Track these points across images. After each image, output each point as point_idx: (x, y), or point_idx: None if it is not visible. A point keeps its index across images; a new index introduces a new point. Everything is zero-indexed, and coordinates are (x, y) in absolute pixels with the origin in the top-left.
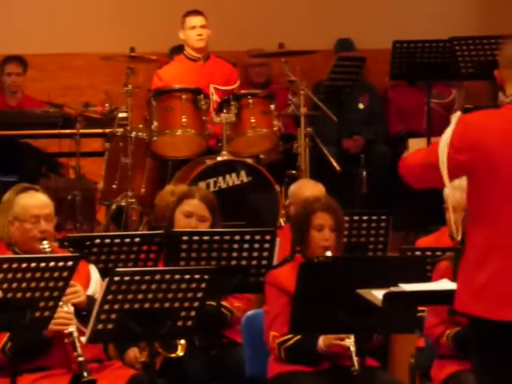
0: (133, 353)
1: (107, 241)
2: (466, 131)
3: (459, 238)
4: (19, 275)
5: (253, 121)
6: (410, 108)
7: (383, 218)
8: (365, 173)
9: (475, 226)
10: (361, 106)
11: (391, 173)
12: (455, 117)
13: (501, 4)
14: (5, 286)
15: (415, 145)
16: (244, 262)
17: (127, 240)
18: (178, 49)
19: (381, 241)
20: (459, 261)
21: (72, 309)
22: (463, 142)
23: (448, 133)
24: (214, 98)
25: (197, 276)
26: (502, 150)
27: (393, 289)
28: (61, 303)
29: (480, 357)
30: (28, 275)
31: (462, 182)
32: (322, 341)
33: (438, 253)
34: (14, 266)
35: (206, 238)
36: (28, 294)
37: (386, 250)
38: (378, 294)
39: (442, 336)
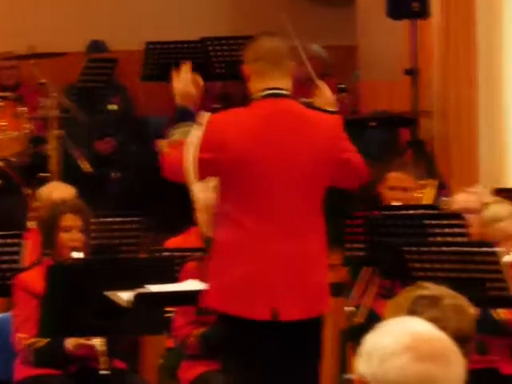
0: None
1: None
2: (212, 131)
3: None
4: None
5: (3, 124)
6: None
7: (135, 219)
8: (118, 174)
9: (224, 226)
10: (113, 107)
11: (144, 174)
12: (203, 117)
13: (249, 5)
14: None
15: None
16: None
17: None
18: None
19: (133, 242)
20: (208, 260)
21: None
22: (209, 141)
23: (196, 133)
24: None
25: None
26: (250, 148)
27: (140, 290)
28: None
29: (230, 356)
30: None
31: (207, 182)
32: (68, 341)
33: (188, 253)
34: None
35: None
36: None
37: (139, 251)
38: (123, 296)
39: (190, 336)
